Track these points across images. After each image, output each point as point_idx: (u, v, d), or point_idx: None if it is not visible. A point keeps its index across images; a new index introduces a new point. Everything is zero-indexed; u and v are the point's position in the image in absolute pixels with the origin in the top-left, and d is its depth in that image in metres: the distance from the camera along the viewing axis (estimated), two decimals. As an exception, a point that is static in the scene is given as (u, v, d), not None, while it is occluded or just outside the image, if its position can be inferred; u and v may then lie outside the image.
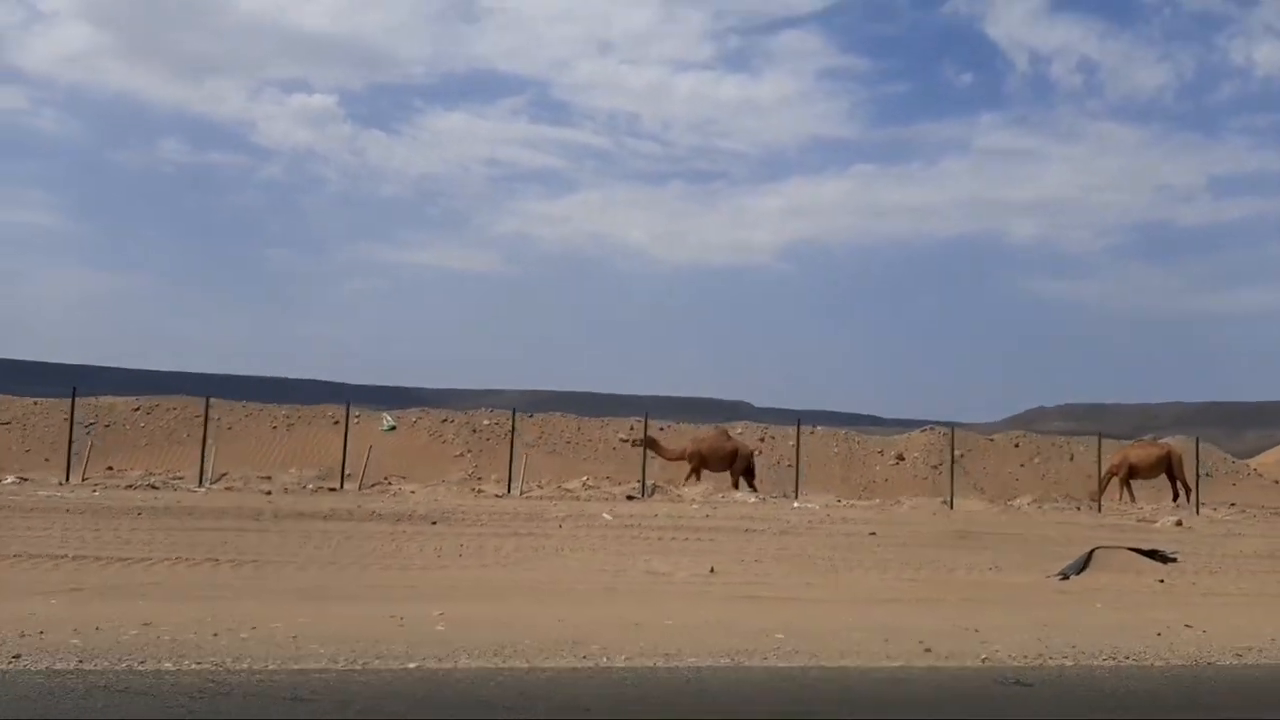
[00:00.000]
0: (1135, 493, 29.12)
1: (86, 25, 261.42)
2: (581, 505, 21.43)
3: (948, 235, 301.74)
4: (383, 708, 6.06)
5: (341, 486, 23.85)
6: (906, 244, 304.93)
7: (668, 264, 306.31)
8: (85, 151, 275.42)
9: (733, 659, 7.89)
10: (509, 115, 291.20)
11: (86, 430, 28.96)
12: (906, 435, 34.63)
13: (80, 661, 7.29)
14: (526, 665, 7.47)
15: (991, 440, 34.63)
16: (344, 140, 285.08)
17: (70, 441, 24.84)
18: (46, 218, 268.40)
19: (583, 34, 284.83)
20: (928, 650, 8.55)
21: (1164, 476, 29.00)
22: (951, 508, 25.31)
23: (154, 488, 21.89)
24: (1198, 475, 28.33)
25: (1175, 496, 28.35)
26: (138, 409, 30.38)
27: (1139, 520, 23.21)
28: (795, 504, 23.68)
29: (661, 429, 32.84)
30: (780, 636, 9.02)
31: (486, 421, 31.64)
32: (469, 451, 30.21)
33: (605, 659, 7.76)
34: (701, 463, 26.44)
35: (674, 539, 16.81)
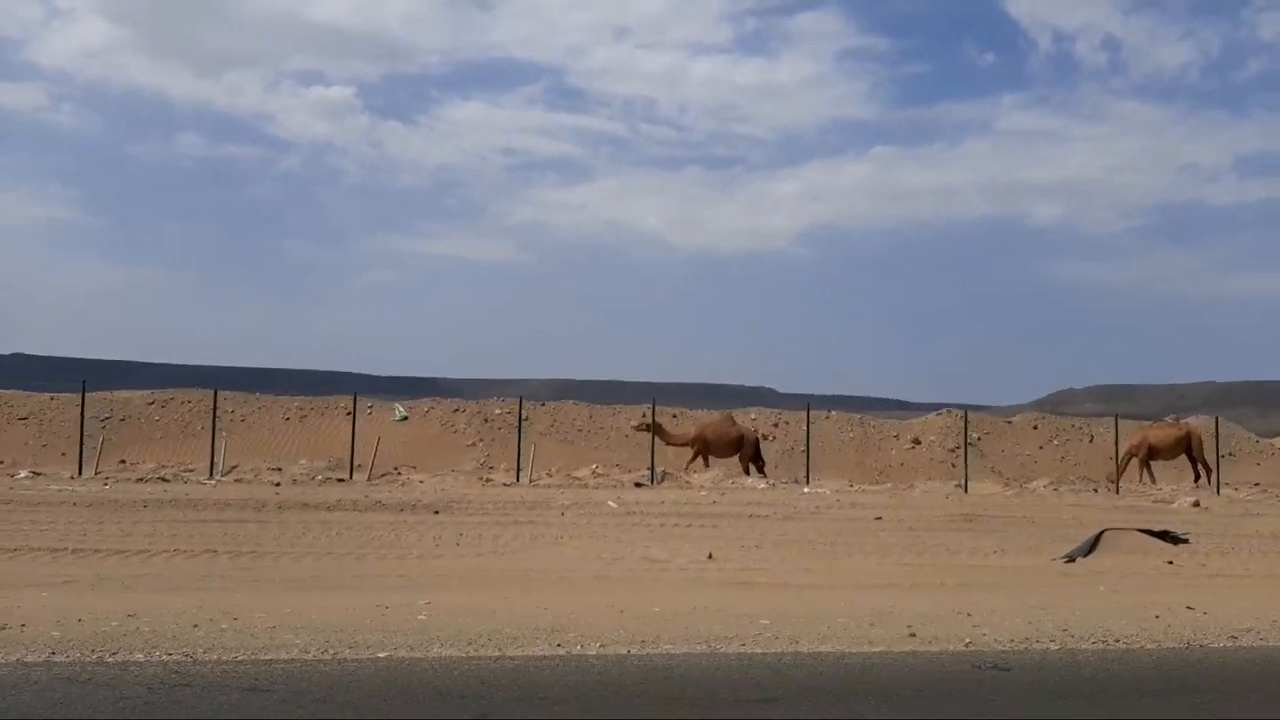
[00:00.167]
0: (1156, 474, 28.77)
1: (104, 21, 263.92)
2: (588, 493, 21.38)
3: (969, 217, 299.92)
4: (336, 697, 5.98)
5: (350, 477, 23.91)
6: (928, 227, 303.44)
7: (685, 250, 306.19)
8: (103, 146, 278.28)
9: (709, 645, 7.77)
10: (525, 103, 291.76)
11: (102, 424, 29.22)
12: (923, 419, 34.37)
13: (52, 653, 7.27)
14: (498, 653, 7.39)
15: (1010, 423, 34.29)
16: (361, 132, 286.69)
17: (82, 436, 25.01)
18: (65, 212, 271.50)
19: (598, 19, 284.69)
20: (912, 634, 8.40)
21: (1185, 457, 28.62)
22: (966, 491, 25.06)
23: (164, 481, 22.02)
24: (1218, 455, 27.93)
25: (1196, 478, 27.97)
26: (152, 402, 30.60)
27: (1156, 501, 22.89)
28: (806, 489, 23.52)
29: (674, 416, 32.74)
30: (765, 622, 8.90)
31: (498, 411, 31.64)
32: (481, 441, 30.22)
33: (579, 647, 7.66)
34: (706, 448, 26.31)
35: (676, 526, 16.71)
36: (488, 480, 23.95)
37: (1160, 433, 28.65)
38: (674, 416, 32.83)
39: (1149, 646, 8.13)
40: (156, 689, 6.18)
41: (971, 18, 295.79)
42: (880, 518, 17.75)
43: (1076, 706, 6.16)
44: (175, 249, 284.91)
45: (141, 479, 22.35)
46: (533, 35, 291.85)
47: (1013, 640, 8.23)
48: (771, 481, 24.68)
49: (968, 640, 8.17)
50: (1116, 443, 28.23)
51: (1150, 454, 28.00)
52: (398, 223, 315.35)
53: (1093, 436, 32.67)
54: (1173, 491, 25.00)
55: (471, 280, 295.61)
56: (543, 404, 33.59)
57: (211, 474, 23.37)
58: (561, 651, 7.49)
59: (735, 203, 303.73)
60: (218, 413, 30.12)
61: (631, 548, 14.46)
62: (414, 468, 26.02)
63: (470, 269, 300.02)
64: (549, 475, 25.26)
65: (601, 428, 31.93)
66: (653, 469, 25.12)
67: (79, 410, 29.30)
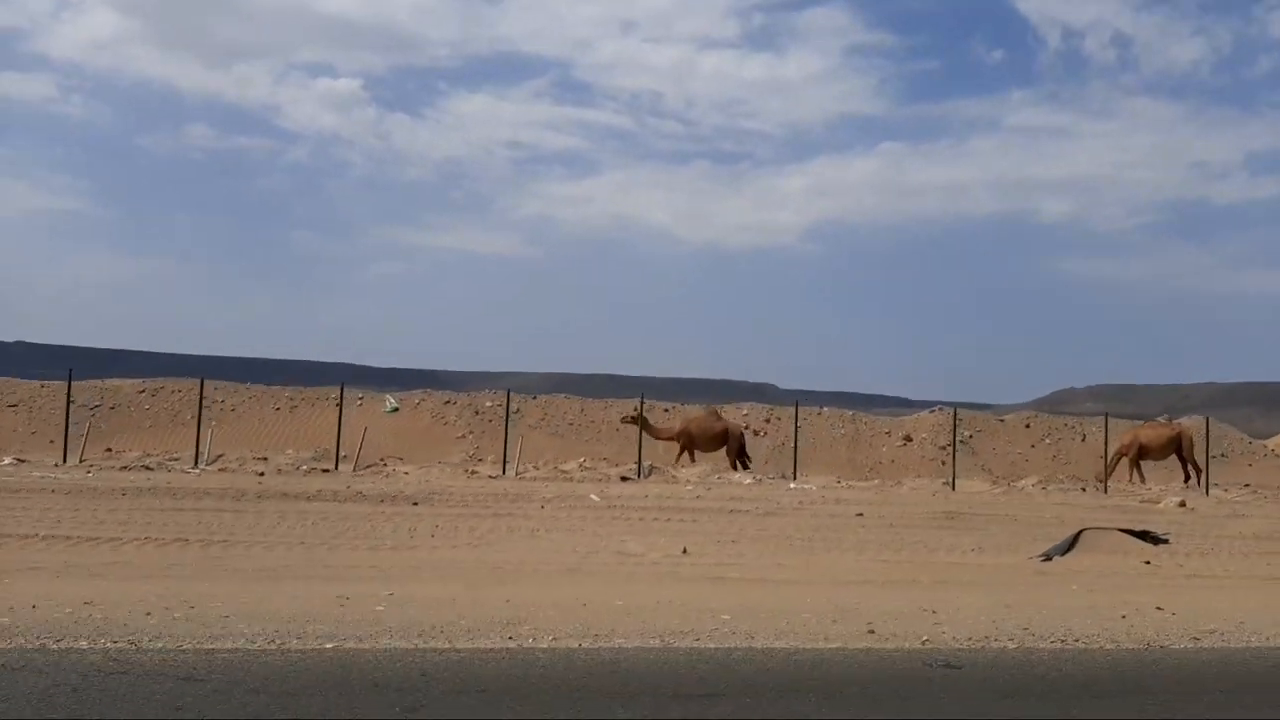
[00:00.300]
0: (1146, 474, 28.66)
1: (113, 12, 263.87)
2: (572, 486, 21.31)
3: (977, 214, 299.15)
4: (271, 688, 5.91)
5: (336, 468, 23.85)
6: (935, 223, 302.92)
7: (691, 245, 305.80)
8: (113, 137, 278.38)
9: (663, 640, 7.70)
10: (532, 97, 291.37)
11: (92, 412, 29.19)
12: (915, 416, 34.27)
13: (-4, 640, 7.22)
14: (447, 645, 7.32)
15: (1002, 421, 34.18)
16: (368, 124, 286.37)
17: (67, 423, 24.97)
18: (73, 203, 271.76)
19: (605, 13, 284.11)
20: (871, 631, 8.33)
21: (1176, 458, 28.51)
22: (953, 489, 24.97)
23: (148, 469, 21.98)
24: (1208, 456, 27.81)
25: (1186, 478, 27.87)
26: (143, 391, 30.56)
27: (1143, 501, 22.79)
28: (792, 485, 23.44)
29: (666, 410, 32.66)
30: (726, 617, 8.82)
31: (489, 403, 31.57)
32: (471, 433, 30.16)
33: (531, 640, 7.60)
34: (691, 442, 26.22)
35: (656, 520, 16.64)
36: (473, 472, 23.88)
37: (1151, 432, 28.53)
38: (666, 411, 32.76)
39: (1108, 647, 8.05)
40: (90, 677, 6.12)
41: (980, 14, 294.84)
42: (861, 514, 17.67)
43: (1023, 705, 6.09)
44: (183, 240, 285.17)
45: (125, 467, 22.30)
46: (540, 28, 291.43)
47: (971, 639, 8.16)
48: (758, 477, 24.60)
49: (925, 638, 8.10)
50: (1106, 442, 28.11)
51: (1140, 454, 27.89)
52: (404, 215, 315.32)
53: (1085, 436, 32.57)
54: (1161, 492, 24.90)
55: (478, 274, 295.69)
56: (534, 397, 33.53)
57: (196, 463, 23.32)
58: (512, 644, 7.42)
59: (742, 198, 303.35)
60: (208, 402, 30.10)
61: (607, 541, 14.39)
62: (401, 459, 25.96)
63: (476, 262, 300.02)
64: (536, 468, 25.20)
65: (593, 421, 31.86)
66: (640, 463, 25.05)
67: (64, 398, 29.33)
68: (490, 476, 23.28)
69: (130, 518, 15.00)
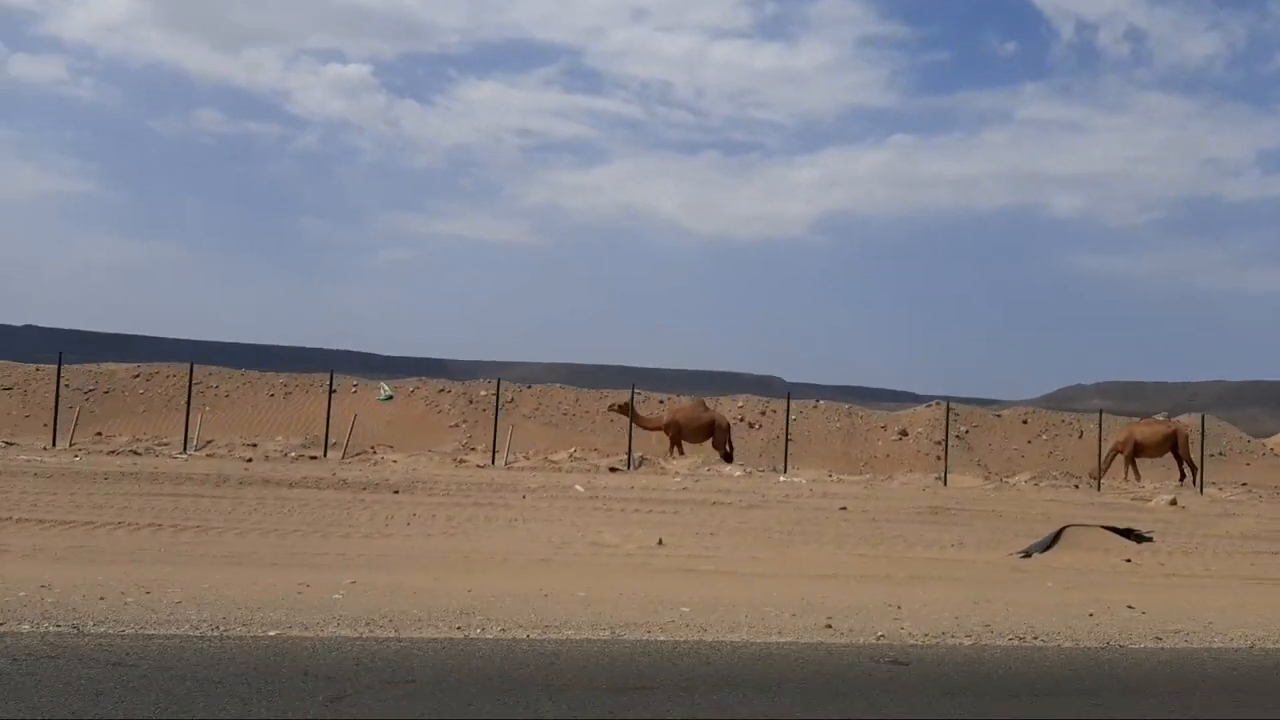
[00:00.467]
0: (1143, 471, 28.49)
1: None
2: (559, 477, 21.24)
3: (987, 208, 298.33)
4: (199, 674, 5.84)
5: (325, 455, 23.82)
6: (945, 216, 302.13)
7: (700, 236, 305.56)
8: (123, 120, 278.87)
9: (612, 632, 7.61)
10: (542, 85, 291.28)
11: (86, 396, 29.23)
12: (911, 411, 34.13)
13: (-62, 622, 7.17)
14: (392, 635, 7.24)
15: (999, 417, 34.01)
16: (378, 110, 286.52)
17: (56, 407, 24.97)
18: (83, 186, 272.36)
19: (616, 1, 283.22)
20: (828, 626, 8.23)
21: (1172, 456, 28.31)
22: (945, 484, 24.84)
23: (136, 454, 21.96)
24: (1203, 454, 27.61)
25: (1181, 476, 27.68)
26: (137, 375, 30.57)
27: (1134, 499, 22.63)
28: (782, 478, 23.34)
29: (661, 402, 32.56)
30: (685, 610, 8.73)
31: (484, 392, 31.51)
32: (464, 422, 30.12)
33: (480, 630, 7.52)
34: (679, 433, 26.11)
35: (638, 511, 16.56)
36: (461, 461, 23.83)
37: (1147, 430, 28.33)
38: (661, 403, 32.67)
39: (1066, 645, 7.94)
40: (20, 660, 6.05)
41: (993, 6, 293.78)
42: (845, 508, 17.56)
43: (961, 703, 5.98)
44: (192, 225, 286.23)
45: (113, 451, 22.30)
46: (551, 16, 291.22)
47: (928, 635, 8.05)
48: (748, 469, 24.49)
49: (881, 634, 8.00)
50: (1100, 439, 27.93)
51: (1136, 451, 27.69)
52: (413, 202, 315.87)
53: (1083, 432, 32.38)
54: (1155, 490, 24.73)
55: (485, 262, 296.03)
56: (529, 386, 33.47)
57: (185, 448, 23.30)
58: (459, 635, 7.34)
59: (752, 188, 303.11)
60: (202, 388, 30.13)
61: (584, 532, 14.31)
62: (391, 447, 25.92)
63: (484, 250, 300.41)
64: (526, 458, 25.13)
65: (587, 411, 31.80)
66: (630, 454, 24.97)
67: (63, 382, 29.36)
68: (478, 466, 23.22)
69: (108, 502, 14.98)
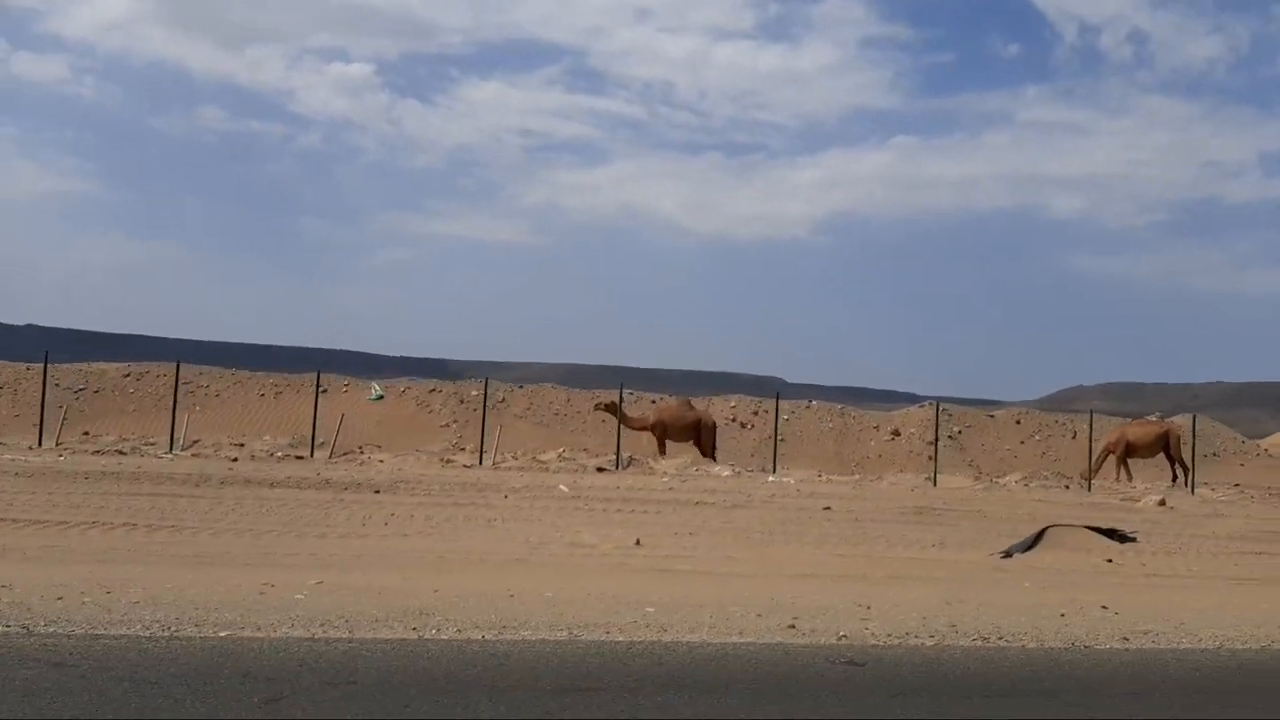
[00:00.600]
0: (1135, 472, 28.39)
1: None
2: (546, 477, 21.17)
3: (989, 209, 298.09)
4: (139, 675, 5.76)
5: (311, 455, 23.75)
6: (947, 217, 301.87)
7: (700, 236, 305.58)
8: (125, 119, 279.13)
9: (570, 632, 7.53)
10: (544, 85, 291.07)
11: (76, 396, 29.18)
12: (904, 411, 34.03)
13: (-116, 623, 7.10)
14: (346, 635, 7.16)
15: (992, 417, 33.90)
16: (380, 110, 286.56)
17: (43, 406, 24.91)
18: (84, 185, 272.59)
19: (619, 1, 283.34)
20: (791, 626, 8.14)
21: (1165, 456, 28.21)
22: (934, 484, 24.75)
23: (121, 453, 21.90)
24: (1194, 454, 27.51)
25: (1174, 477, 27.57)
26: (127, 375, 30.50)
27: (1123, 499, 22.53)
28: (770, 478, 23.25)
29: (653, 402, 32.47)
30: (650, 610, 8.65)
31: (475, 392, 31.40)
32: (455, 422, 30.03)
33: (435, 631, 7.43)
34: (665, 433, 26.02)
35: (620, 511, 16.48)
36: (448, 461, 23.76)
37: (1139, 430, 28.23)
38: (653, 402, 32.57)
39: (1030, 645, 7.85)
40: (-42, 661, 5.99)
41: (996, 8, 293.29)
42: (829, 508, 17.47)
43: (909, 704, 5.89)
44: (194, 224, 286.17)
45: (99, 451, 22.24)
46: (554, 16, 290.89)
47: (891, 635, 7.96)
48: (737, 469, 24.41)
49: (844, 634, 7.91)
50: (1090, 439, 27.83)
51: (1128, 451, 27.59)
52: (414, 202, 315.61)
53: (1076, 433, 32.26)
54: (1146, 490, 24.63)
55: (485, 262, 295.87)
56: (521, 386, 33.39)
57: (171, 448, 23.24)
58: (413, 635, 7.26)
59: (753, 189, 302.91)
60: (192, 387, 30.09)
61: (563, 532, 14.23)
62: (379, 447, 25.85)
63: (485, 250, 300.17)
64: (514, 458, 25.06)
65: (579, 411, 31.70)
66: (618, 454, 24.89)
67: (53, 381, 29.31)
68: (465, 466, 23.14)
69: (85, 502, 14.91)
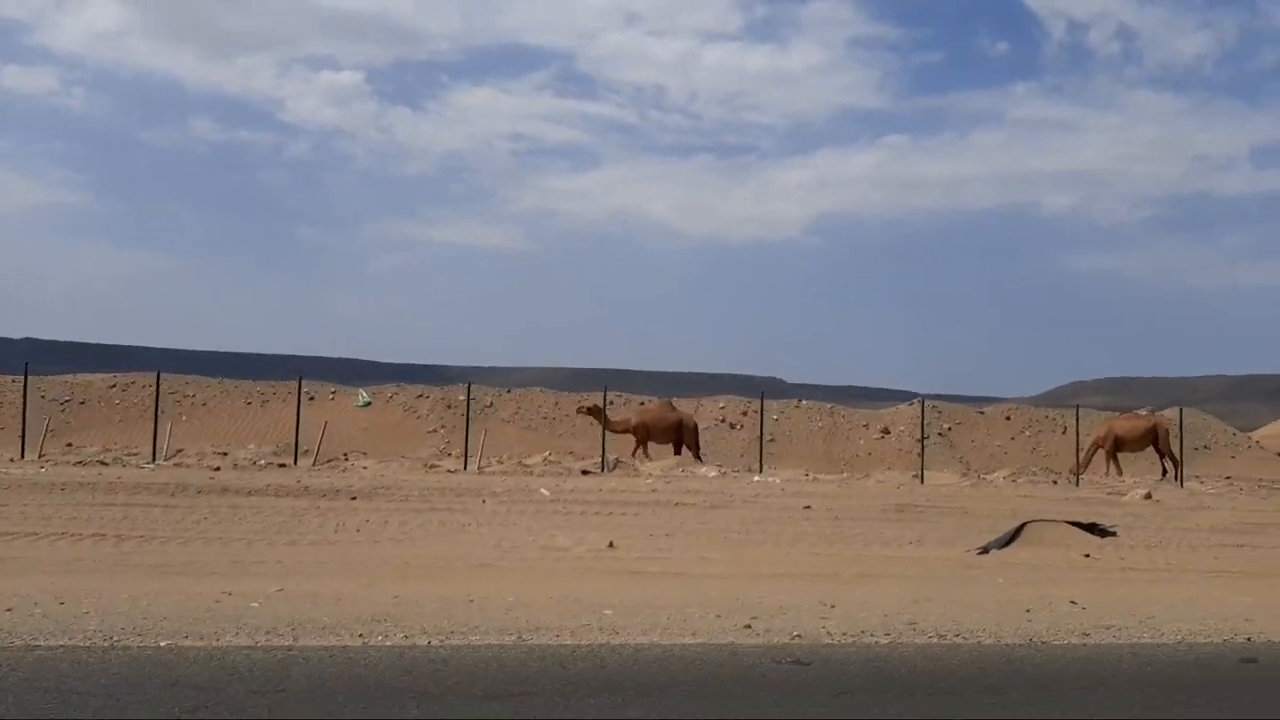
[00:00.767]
0: (1125, 466, 28.28)
1: (114, 3, 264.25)
2: (529, 480, 21.07)
3: (980, 208, 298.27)
4: (65, 685, 5.67)
5: (295, 462, 23.65)
6: (938, 216, 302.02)
7: (693, 238, 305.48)
8: (115, 130, 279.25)
9: (519, 636, 7.44)
10: (534, 90, 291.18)
11: (62, 407, 29.09)
12: (894, 409, 33.93)
13: None
14: (289, 643, 7.06)
15: (982, 413, 33.80)
16: (370, 117, 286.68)
17: (24, 418, 24.81)
18: (76, 197, 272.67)
19: (609, 4, 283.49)
20: (747, 627, 8.05)
21: (1154, 450, 28.09)
22: (922, 481, 24.65)
23: (103, 464, 21.81)
24: (1181, 448, 27.40)
25: (1164, 471, 27.46)
26: (113, 385, 30.41)
27: (1109, 493, 22.44)
28: (756, 478, 23.15)
29: (642, 404, 32.37)
30: (609, 613, 8.56)
31: (462, 397, 31.31)
32: (443, 427, 29.94)
33: (382, 637, 7.34)
34: (648, 434, 25.92)
35: (599, 514, 16.38)
36: (432, 467, 23.66)
37: (1126, 424, 28.11)
38: (642, 404, 32.47)
39: (986, 642, 7.75)
40: (-115, 675, 5.90)
41: (984, 6, 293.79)
42: (809, 507, 17.38)
43: (847, 703, 5.79)
44: (186, 234, 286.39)
45: (80, 462, 22.15)
46: (544, 20, 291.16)
47: (846, 634, 7.87)
48: (723, 470, 24.31)
49: (798, 634, 7.82)
50: (1078, 434, 27.72)
51: (1116, 446, 27.48)
52: (405, 209, 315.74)
53: (1066, 428, 32.14)
54: (1135, 484, 24.53)
55: (478, 267, 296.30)
56: (509, 390, 33.30)
57: (154, 458, 23.15)
58: (357, 643, 7.16)
59: (745, 191, 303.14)
60: (178, 397, 30.02)
61: (536, 536, 14.13)
62: (364, 453, 25.75)
63: (477, 256, 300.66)
64: (499, 462, 24.96)
65: (567, 415, 31.58)
66: (604, 456, 24.79)
67: (40, 392, 29.24)
68: (449, 471, 23.05)
69: (58, 513, 14.81)
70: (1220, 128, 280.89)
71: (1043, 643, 7.82)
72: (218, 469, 21.54)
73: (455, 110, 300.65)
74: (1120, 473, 27.37)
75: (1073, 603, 9.81)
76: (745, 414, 32.57)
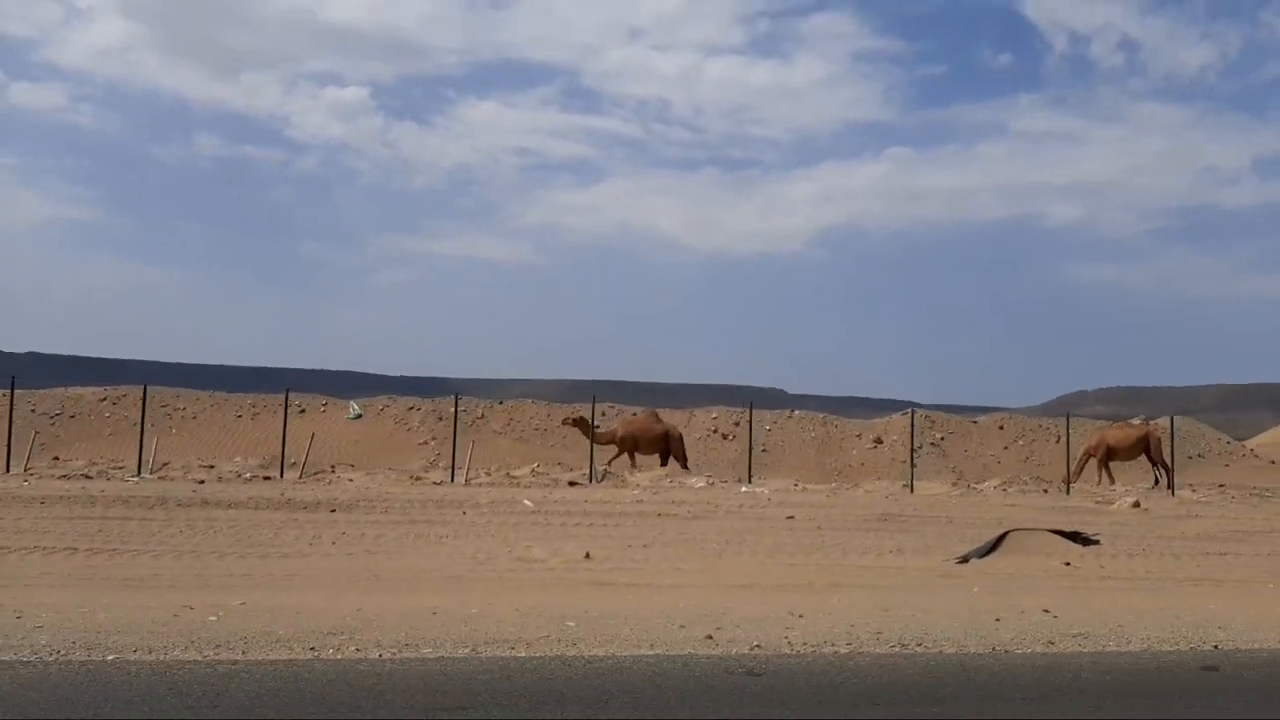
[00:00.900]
0: (1120, 474, 28.16)
1: (122, 20, 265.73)
2: (514, 492, 20.98)
3: (985, 219, 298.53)
4: (5, 700, 5.61)
5: (281, 475, 23.57)
6: (943, 228, 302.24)
7: (699, 252, 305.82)
8: (123, 146, 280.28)
9: (472, 649, 7.35)
10: (539, 104, 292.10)
11: (52, 421, 29.05)
12: (887, 419, 33.83)
13: None
14: (238, 657, 6.98)
15: (975, 423, 33.70)
16: (376, 133, 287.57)
17: (10, 431, 24.76)
18: (83, 212, 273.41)
19: (612, 19, 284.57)
20: (709, 637, 7.96)
21: (1146, 459, 27.97)
22: (911, 491, 24.53)
23: (88, 477, 21.74)
24: (1173, 456, 27.27)
25: (1156, 480, 27.34)
26: (104, 399, 30.37)
27: (1097, 502, 22.31)
28: (744, 488, 23.05)
29: (634, 414, 32.28)
30: (571, 624, 8.47)
31: (454, 409, 31.26)
32: (434, 439, 29.88)
33: (332, 651, 7.25)
34: (634, 445, 25.84)
35: (579, 525, 16.28)
36: (418, 479, 23.57)
37: (1118, 433, 27.99)
38: (634, 414, 32.40)
39: (948, 651, 7.66)
40: None
41: (987, 19, 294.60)
42: (792, 517, 17.28)
43: (791, 713, 5.72)
44: (194, 250, 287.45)
45: (65, 475, 22.08)
46: (548, 36, 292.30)
47: (807, 644, 7.78)
48: (712, 480, 24.22)
49: (758, 644, 7.72)
50: (1068, 444, 27.60)
51: (1109, 455, 27.35)
52: (411, 223, 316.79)
53: (1059, 437, 32.02)
54: (1126, 492, 24.41)
55: (485, 281, 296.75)
56: (500, 402, 33.23)
57: (140, 471, 23.08)
58: (307, 656, 7.08)
59: (749, 204, 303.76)
60: (169, 410, 29.99)
61: (512, 547, 14.04)
62: (352, 466, 25.67)
63: (484, 270, 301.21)
64: (487, 474, 24.87)
65: (558, 427, 31.50)
66: (591, 467, 24.70)
67: (29, 406, 29.24)
68: (435, 483, 22.96)
69: (35, 526, 14.73)
70: (1224, 140, 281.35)
71: (1005, 651, 7.73)
72: (202, 482, 21.47)
73: (461, 125, 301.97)
74: (1113, 482, 27.24)
75: (1045, 611, 9.72)
76: (738, 424, 32.48)
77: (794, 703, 5.95)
